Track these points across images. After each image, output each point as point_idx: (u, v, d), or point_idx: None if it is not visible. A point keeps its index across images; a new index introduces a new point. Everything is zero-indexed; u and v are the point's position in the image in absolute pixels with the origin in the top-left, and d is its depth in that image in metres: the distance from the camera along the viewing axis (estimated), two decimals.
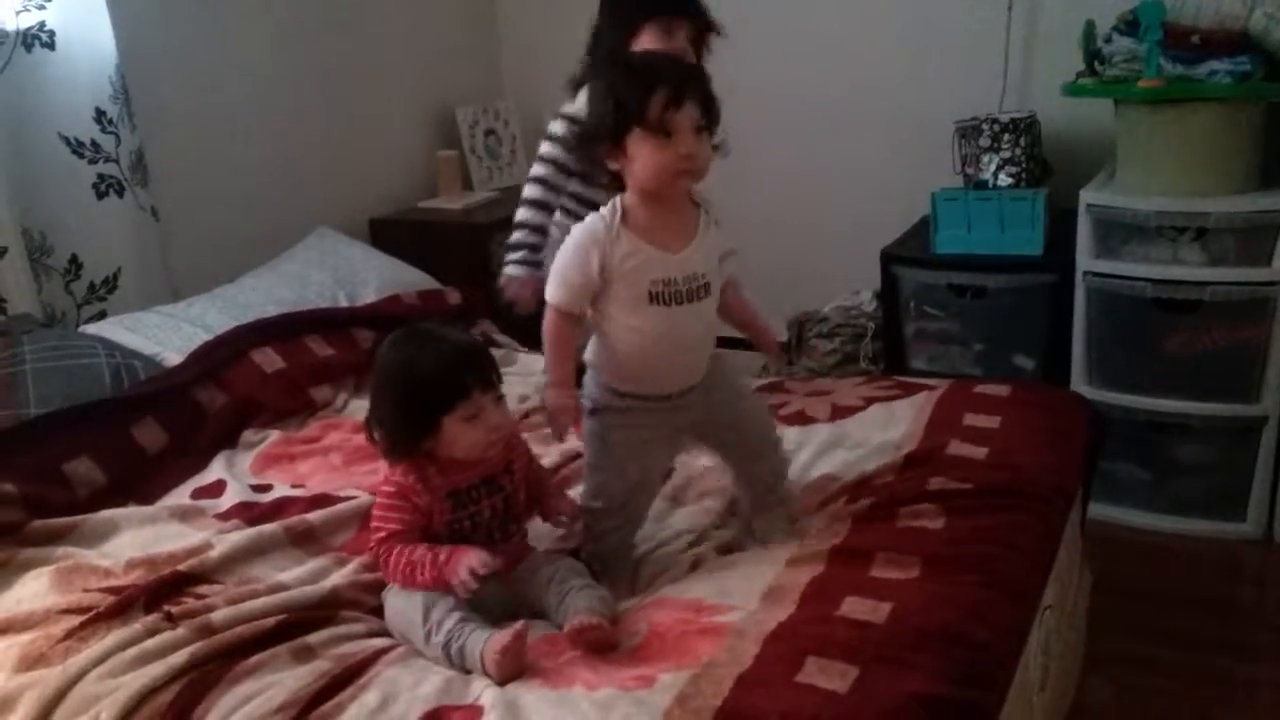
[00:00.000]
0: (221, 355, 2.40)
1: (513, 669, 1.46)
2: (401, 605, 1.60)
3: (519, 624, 1.49)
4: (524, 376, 2.58)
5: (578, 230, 1.64)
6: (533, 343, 2.83)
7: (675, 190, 1.63)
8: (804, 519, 1.81)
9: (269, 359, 2.46)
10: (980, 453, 1.93)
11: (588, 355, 1.73)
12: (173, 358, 2.39)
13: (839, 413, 2.20)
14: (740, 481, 1.84)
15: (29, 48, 2.50)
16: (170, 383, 2.28)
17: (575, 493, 1.85)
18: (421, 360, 1.62)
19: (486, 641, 1.47)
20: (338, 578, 1.73)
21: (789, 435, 2.10)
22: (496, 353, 2.75)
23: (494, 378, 1.65)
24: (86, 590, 1.69)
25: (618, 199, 1.64)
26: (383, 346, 1.69)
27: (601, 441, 1.74)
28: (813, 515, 1.82)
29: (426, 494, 1.63)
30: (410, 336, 1.67)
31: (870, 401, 2.23)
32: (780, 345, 1.93)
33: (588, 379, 1.72)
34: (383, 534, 1.63)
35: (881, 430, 2.07)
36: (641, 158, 1.58)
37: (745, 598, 1.57)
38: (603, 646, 1.49)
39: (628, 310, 1.64)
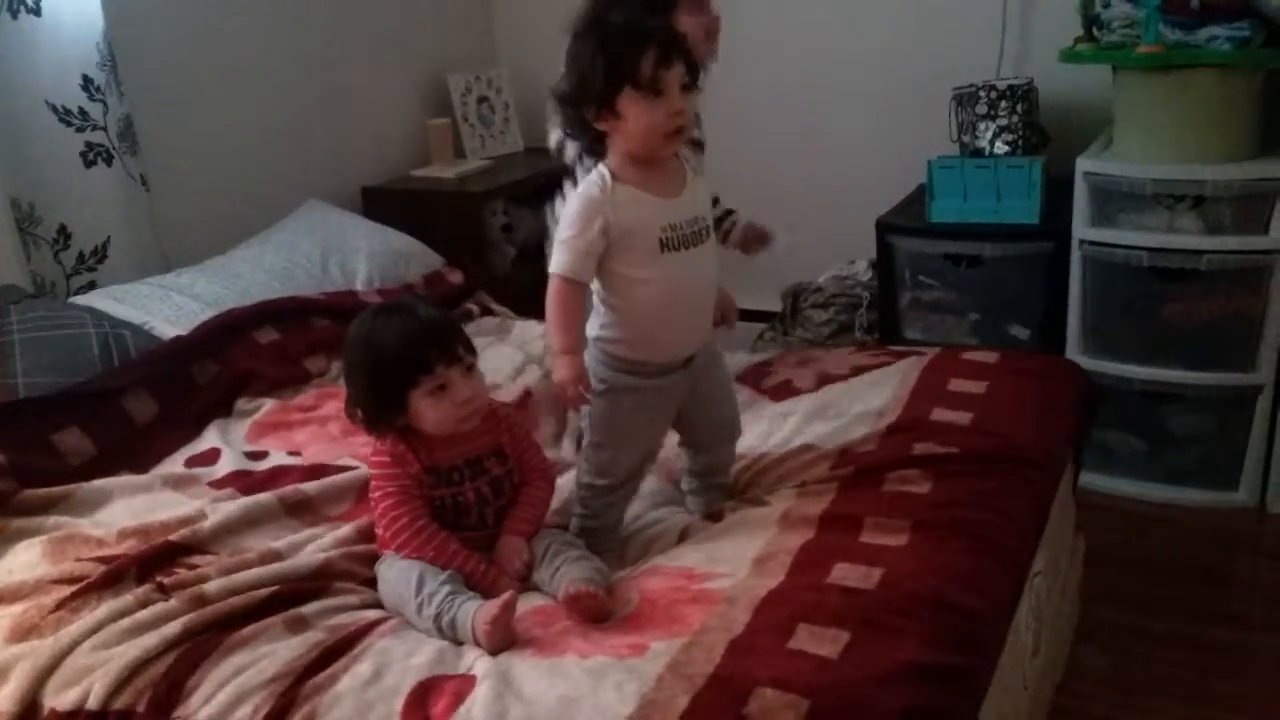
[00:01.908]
0: (224, 336, 2.38)
1: (502, 639, 1.46)
2: (393, 579, 1.60)
3: (507, 594, 1.49)
4: (520, 345, 2.58)
5: (574, 199, 1.64)
6: (527, 311, 2.85)
7: (664, 152, 1.64)
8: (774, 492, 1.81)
9: (264, 331, 2.45)
10: (964, 418, 1.92)
11: (590, 330, 1.72)
12: (161, 327, 2.38)
13: (824, 380, 2.20)
14: (694, 459, 1.86)
15: (15, 14, 2.46)
16: (169, 366, 2.26)
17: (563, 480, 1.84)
18: (383, 337, 1.63)
19: (476, 612, 1.48)
20: (332, 549, 1.72)
21: (773, 410, 2.10)
22: (492, 321, 2.79)
23: (460, 350, 1.65)
24: (79, 560, 1.69)
25: (601, 165, 1.64)
26: (351, 325, 1.70)
27: (609, 420, 1.73)
28: (791, 482, 1.82)
29: (416, 462, 1.64)
30: (375, 314, 1.69)
31: (857, 370, 2.22)
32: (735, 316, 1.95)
33: (590, 357, 1.71)
34: (390, 502, 1.63)
35: (865, 399, 2.06)
36: (633, 117, 1.58)
37: (736, 565, 1.57)
38: (597, 615, 1.50)
39: (639, 263, 1.63)
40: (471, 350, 1.68)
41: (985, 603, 1.48)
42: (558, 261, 1.63)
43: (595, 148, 1.66)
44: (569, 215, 1.63)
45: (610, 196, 1.61)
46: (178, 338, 2.34)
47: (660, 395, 1.72)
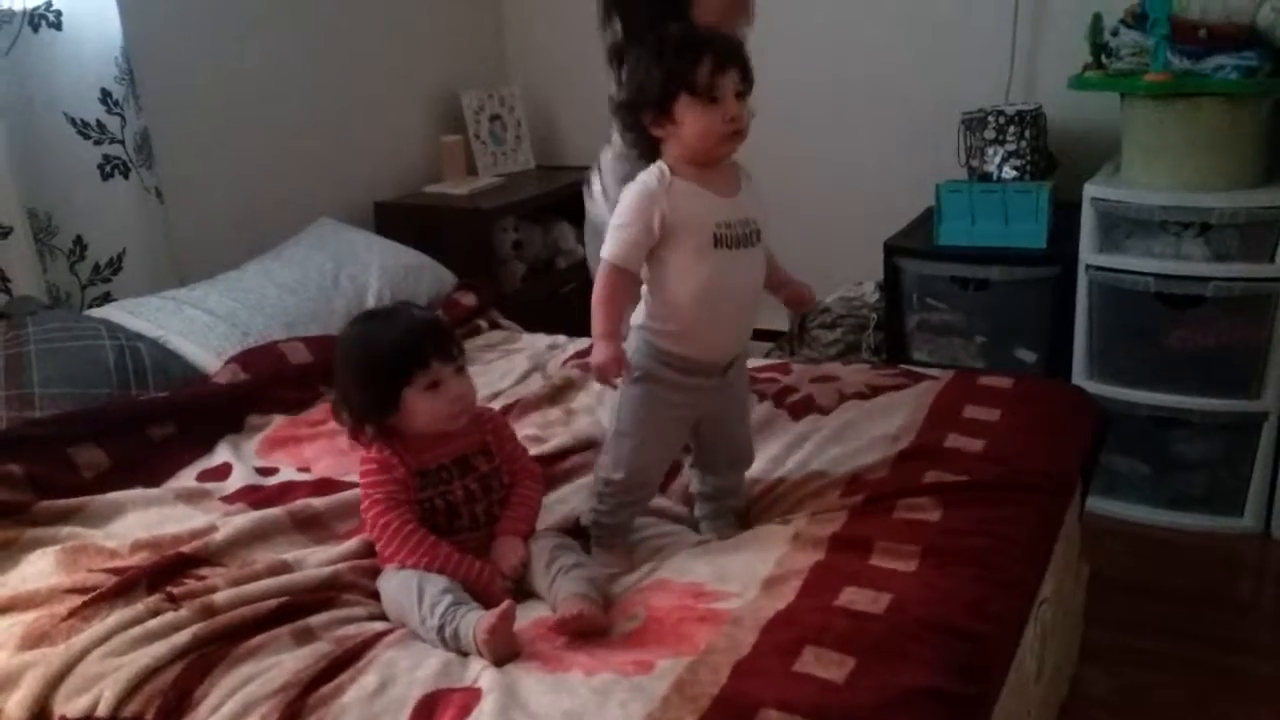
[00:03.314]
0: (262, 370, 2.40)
1: (503, 648, 1.47)
2: (394, 591, 1.62)
3: (505, 604, 1.50)
4: (527, 355, 2.61)
5: (632, 188, 1.66)
6: (536, 326, 2.87)
7: (721, 154, 1.67)
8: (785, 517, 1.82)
9: (296, 351, 2.47)
10: (977, 445, 1.93)
11: (635, 318, 1.73)
12: (176, 341, 2.40)
13: (844, 401, 2.20)
14: (704, 480, 1.86)
15: (35, 28, 2.50)
16: (197, 401, 2.28)
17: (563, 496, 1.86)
18: (379, 335, 1.68)
19: (476, 623, 1.49)
20: (339, 563, 1.73)
21: (792, 430, 2.11)
22: (500, 334, 2.81)
23: (453, 349, 1.69)
24: (91, 571, 1.70)
25: (659, 162, 1.67)
26: (343, 329, 1.75)
27: (639, 411, 1.74)
28: (803, 511, 1.82)
29: (401, 466, 1.67)
30: (368, 315, 1.75)
31: (876, 390, 2.23)
32: (812, 296, 1.96)
33: (633, 346, 1.72)
34: (379, 509, 1.66)
35: (881, 423, 2.07)
36: (689, 122, 1.62)
37: (745, 584, 1.58)
38: (590, 634, 1.50)
39: (692, 257, 1.65)
40: (462, 350, 1.72)
41: (992, 630, 1.48)
42: (609, 248, 1.66)
43: (650, 155, 1.69)
44: (624, 204, 1.66)
45: (667, 189, 1.63)
46: (213, 384, 2.34)
47: (691, 396, 1.74)
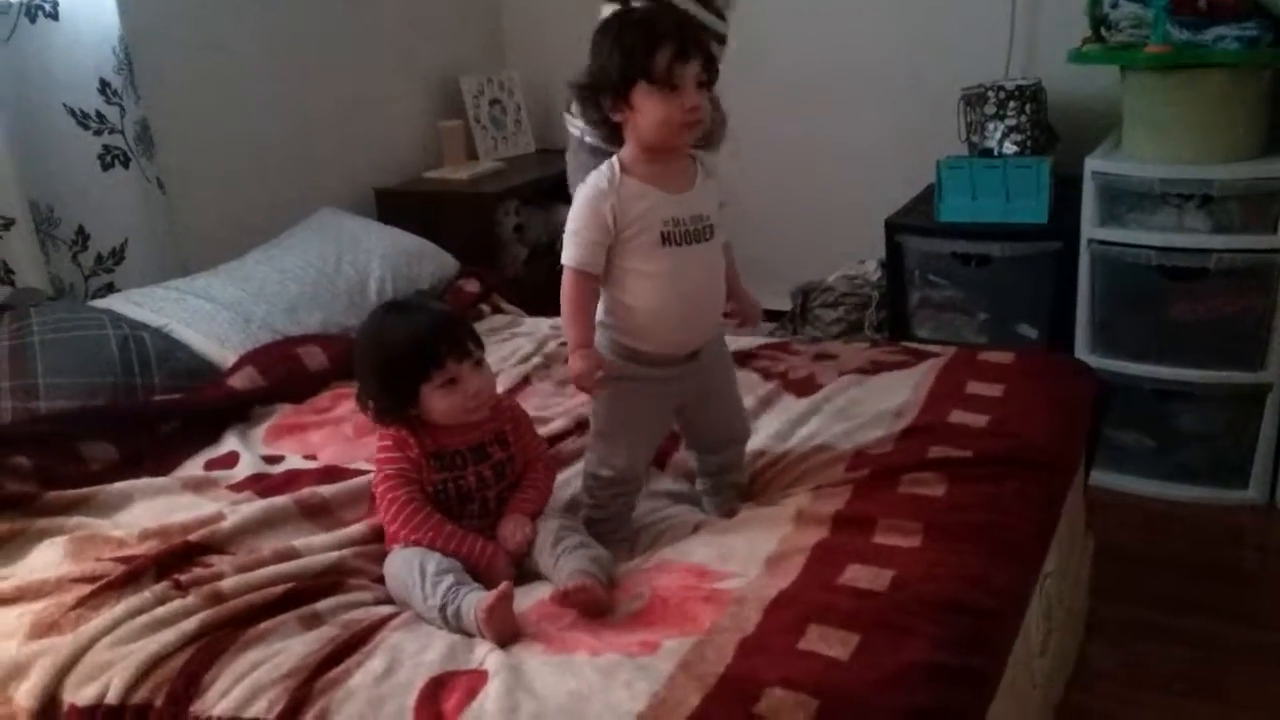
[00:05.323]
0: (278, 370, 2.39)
1: (503, 628, 1.48)
2: (397, 568, 1.63)
3: (503, 585, 1.51)
4: (529, 338, 2.64)
5: (582, 191, 1.67)
6: (539, 310, 2.88)
7: (678, 143, 1.66)
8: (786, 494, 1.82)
9: (313, 356, 2.46)
10: (981, 421, 1.93)
11: (598, 318, 1.74)
12: (180, 330, 2.40)
13: (844, 377, 2.20)
14: (703, 460, 1.87)
15: (33, 18, 2.50)
16: (215, 403, 2.28)
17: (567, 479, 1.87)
18: (395, 333, 1.69)
19: (476, 603, 1.50)
20: (345, 548, 1.74)
21: (794, 406, 2.11)
22: (503, 319, 2.82)
23: (469, 345, 1.70)
24: (99, 560, 1.71)
25: (614, 157, 1.67)
26: (362, 323, 1.76)
27: (615, 410, 1.75)
28: (807, 484, 1.82)
29: (416, 447, 1.69)
30: (386, 311, 1.76)
31: (877, 367, 2.23)
32: (761, 319, 1.95)
33: (598, 344, 1.72)
34: (389, 484, 1.69)
35: (884, 399, 2.07)
36: (647, 110, 1.60)
37: (747, 564, 1.58)
38: (592, 609, 1.51)
39: (641, 257, 1.66)
40: (479, 345, 1.73)
41: (996, 604, 1.49)
42: (568, 254, 1.66)
43: (612, 137, 1.68)
44: (576, 208, 1.66)
45: (617, 188, 1.63)
46: (229, 389, 2.32)
47: (660, 386, 1.74)
